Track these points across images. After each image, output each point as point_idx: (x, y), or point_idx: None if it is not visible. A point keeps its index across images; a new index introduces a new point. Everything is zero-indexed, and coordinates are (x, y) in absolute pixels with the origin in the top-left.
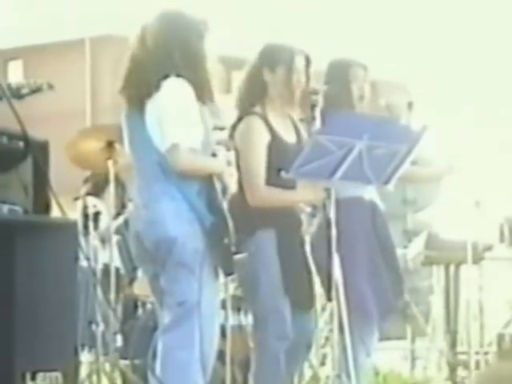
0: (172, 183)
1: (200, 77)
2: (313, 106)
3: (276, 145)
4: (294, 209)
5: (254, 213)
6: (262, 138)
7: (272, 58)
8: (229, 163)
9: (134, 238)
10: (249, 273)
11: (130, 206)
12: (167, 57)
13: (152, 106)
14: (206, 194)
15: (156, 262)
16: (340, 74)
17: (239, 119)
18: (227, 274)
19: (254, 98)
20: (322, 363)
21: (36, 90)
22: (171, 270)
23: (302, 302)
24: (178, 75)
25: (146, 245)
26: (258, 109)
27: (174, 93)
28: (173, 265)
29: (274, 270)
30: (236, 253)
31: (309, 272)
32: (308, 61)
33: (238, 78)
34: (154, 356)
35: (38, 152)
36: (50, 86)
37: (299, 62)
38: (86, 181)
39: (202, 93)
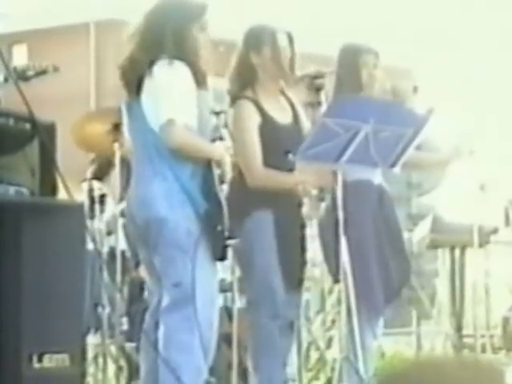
0: (165, 165)
1: (194, 61)
2: (318, 90)
3: (268, 126)
4: (292, 190)
5: (251, 194)
6: (253, 120)
7: (256, 41)
8: (229, 149)
9: (128, 218)
10: (245, 253)
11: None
12: (160, 40)
13: (148, 87)
14: (200, 178)
15: (148, 242)
16: (350, 60)
17: (231, 105)
18: (218, 259)
19: (244, 82)
20: (329, 346)
21: (41, 73)
22: (164, 251)
23: (295, 282)
24: (174, 58)
25: (138, 225)
26: (248, 93)
27: (171, 71)
28: (165, 246)
29: (270, 250)
30: (229, 238)
31: (303, 253)
32: (290, 38)
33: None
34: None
35: (45, 134)
36: (56, 69)
37: (282, 40)
38: (92, 163)
39: (198, 76)
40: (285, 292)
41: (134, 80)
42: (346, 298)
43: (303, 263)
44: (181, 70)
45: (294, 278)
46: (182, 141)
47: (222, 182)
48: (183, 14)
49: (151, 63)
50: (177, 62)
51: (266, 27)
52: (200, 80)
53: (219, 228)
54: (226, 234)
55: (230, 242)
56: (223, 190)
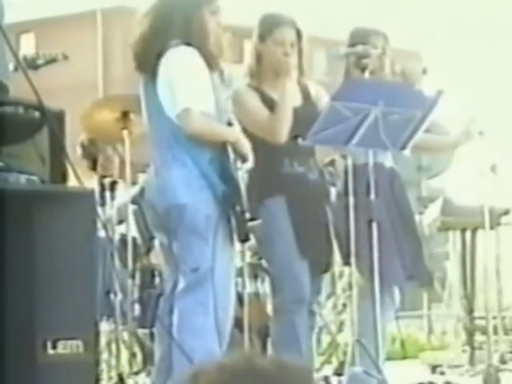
0: (183, 150)
1: (205, 45)
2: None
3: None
4: (305, 175)
5: (264, 181)
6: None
7: (262, 29)
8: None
9: (147, 205)
10: (264, 239)
11: (145, 176)
12: (171, 24)
13: (162, 74)
14: (219, 163)
15: (168, 228)
16: (359, 43)
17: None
18: (242, 240)
19: (251, 69)
20: (340, 330)
21: (51, 61)
22: (183, 236)
23: (319, 266)
24: (187, 44)
25: (158, 212)
26: (254, 82)
27: (183, 59)
28: (185, 232)
29: (288, 235)
30: (251, 219)
31: (328, 236)
32: (298, 32)
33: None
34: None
35: (54, 122)
36: (65, 57)
37: (287, 33)
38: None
39: (210, 61)
40: (311, 276)
41: (148, 63)
42: (358, 281)
43: (329, 249)
44: (193, 57)
45: (318, 263)
46: (198, 127)
47: (241, 163)
48: (195, 1)
49: (164, 48)
50: (189, 48)
51: (274, 16)
52: (212, 64)
53: (238, 208)
54: (248, 215)
55: (252, 223)
56: (242, 173)
